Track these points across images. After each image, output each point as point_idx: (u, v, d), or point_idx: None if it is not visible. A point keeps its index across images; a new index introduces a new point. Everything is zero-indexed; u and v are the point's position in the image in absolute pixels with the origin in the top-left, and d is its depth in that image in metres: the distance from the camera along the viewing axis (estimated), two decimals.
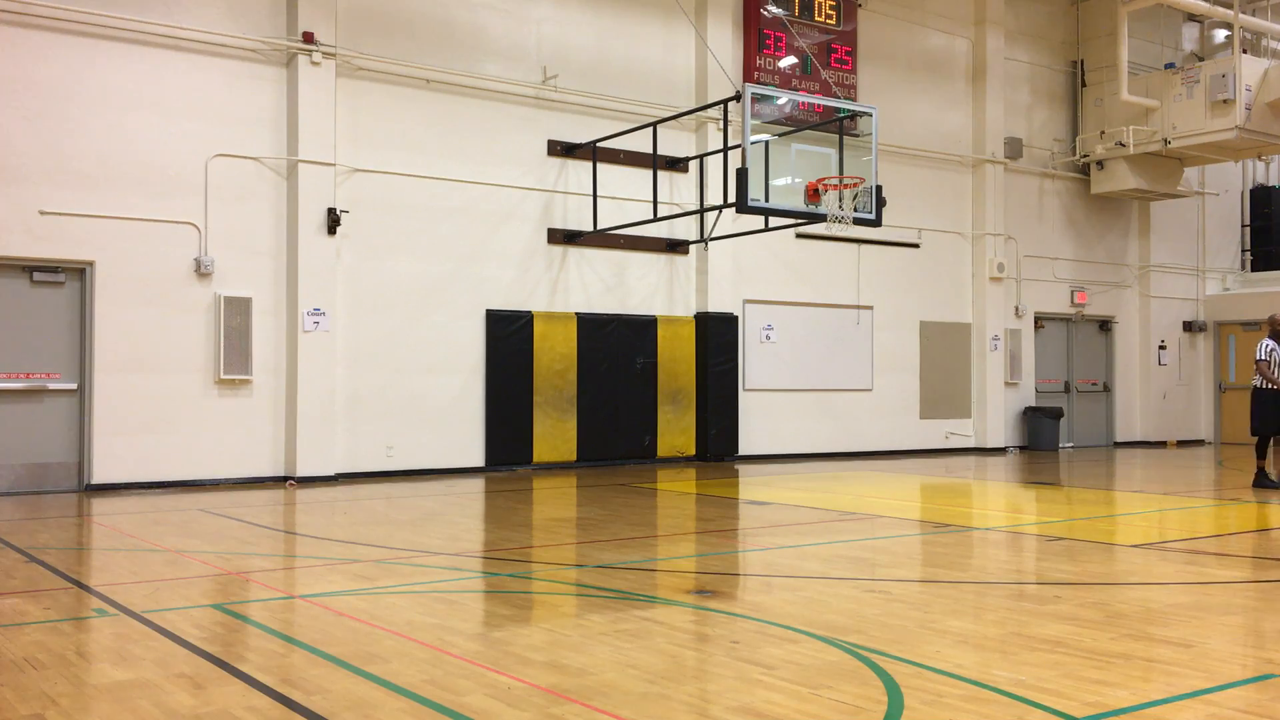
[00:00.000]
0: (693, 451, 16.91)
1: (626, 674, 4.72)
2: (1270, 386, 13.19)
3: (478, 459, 15.09)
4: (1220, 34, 23.18)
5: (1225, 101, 19.48)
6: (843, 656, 5.01)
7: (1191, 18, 22.59)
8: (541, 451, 15.53)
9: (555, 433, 15.64)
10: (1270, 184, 25.02)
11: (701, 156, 16.36)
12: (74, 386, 12.62)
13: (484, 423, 15.12)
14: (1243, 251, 24.73)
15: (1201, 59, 22.44)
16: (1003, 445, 20.17)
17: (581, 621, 5.89)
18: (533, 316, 15.46)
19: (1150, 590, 6.73)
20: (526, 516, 10.81)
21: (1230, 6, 20.26)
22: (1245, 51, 20.70)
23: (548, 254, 15.75)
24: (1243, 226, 24.74)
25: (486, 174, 15.21)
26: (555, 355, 15.64)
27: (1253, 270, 24.56)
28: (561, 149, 15.80)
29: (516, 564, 7.84)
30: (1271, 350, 13.23)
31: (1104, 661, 4.91)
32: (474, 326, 15.09)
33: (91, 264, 12.63)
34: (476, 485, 13.60)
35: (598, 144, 15.63)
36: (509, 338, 15.25)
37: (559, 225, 15.82)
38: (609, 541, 8.74)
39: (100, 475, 12.61)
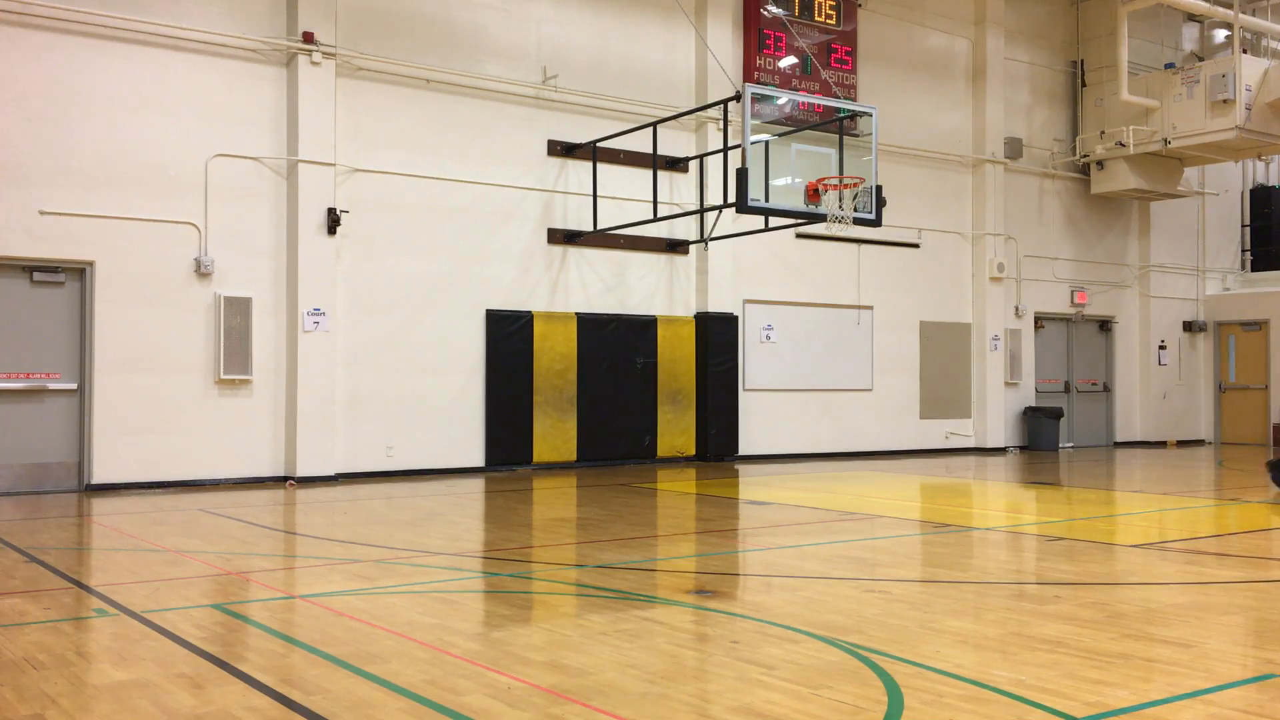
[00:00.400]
0: (693, 451, 16.91)
1: (626, 674, 4.72)
2: None
3: (478, 459, 15.09)
4: (1220, 34, 23.18)
5: (1225, 101, 19.48)
6: (843, 656, 5.01)
7: (1191, 18, 22.59)
8: (541, 451, 15.53)
9: (555, 433, 15.64)
10: (1270, 184, 25.02)
11: (701, 156, 16.36)
12: (74, 386, 12.62)
13: (484, 423, 15.12)
14: (1243, 251, 24.73)
15: (1201, 59, 22.43)
16: (1003, 445, 20.17)
17: (581, 621, 5.89)
18: (533, 316, 15.46)
19: (1150, 590, 6.73)
20: (526, 516, 10.81)
21: (1230, 6, 20.26)
22: (1245, 51, 20.69)
23: (548, 254, 15.75)
24: (1243, 226, 24.74)
25: (486, 174, 15.21)
26: (555, 355, 15.64)
27: (1253, 270, 24.56)
28: (561, 149, 15.80)
29: (516, 564, 7.84)
30: None
31: (1104, 661, 4.91)
32: (474, 326, 15.10)
33: (91, 264, 12.63)
34: (476, 485, 13.60)
35: (598, 144, 15.63)
36: (509, 338, 15.25)
37: (559, 225, 15.82)
38: (609, 541, 8.74)
39: (100, 475, 12.61)
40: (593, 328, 15.97)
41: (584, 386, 15.88)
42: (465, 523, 10.16)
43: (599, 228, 15.65)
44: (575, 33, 16.01)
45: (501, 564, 7.87)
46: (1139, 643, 5.28)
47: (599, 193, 15.68)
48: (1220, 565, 7.73)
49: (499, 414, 15.17)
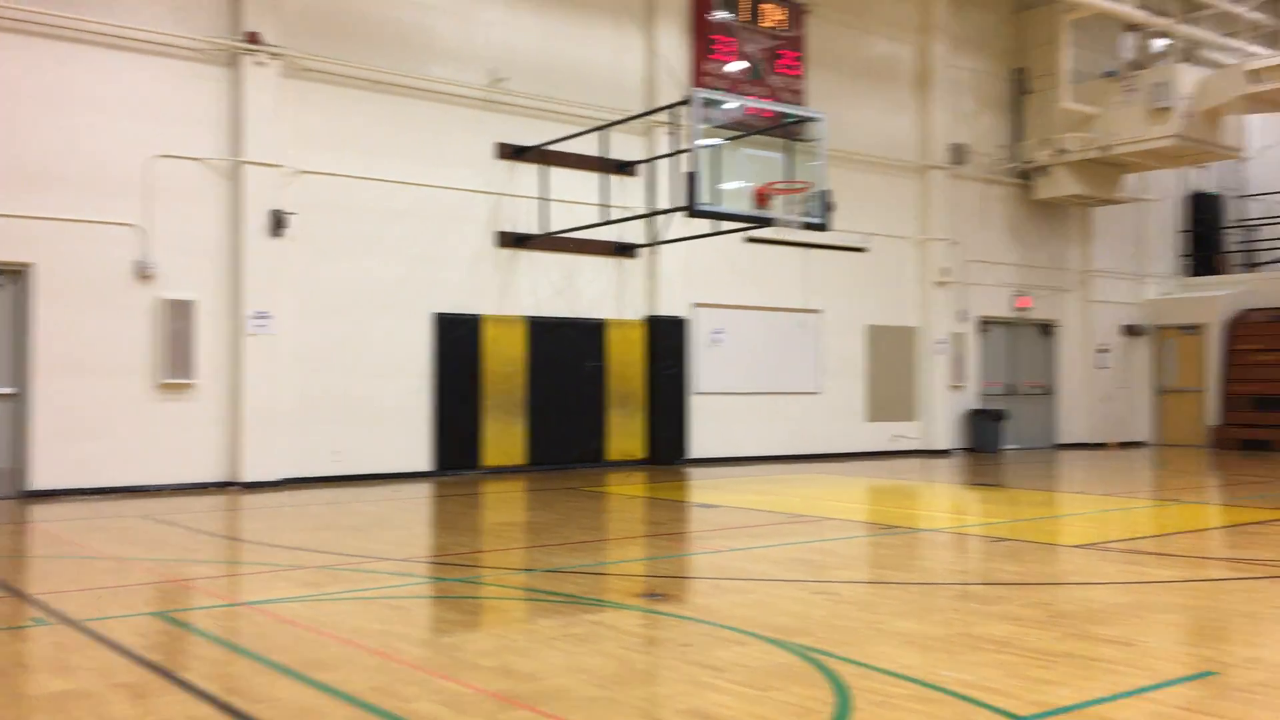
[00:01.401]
0: (642, 455, 16.92)
1: (576, 678, 4.71)
2: None
3: (426, 463, 14.98)
4: (1159, 43, 23.61)
5: (1163, 109, 19.88)
6: (791, 658, 5.03)
7: (1131, 27, 22.99)
8: (491, 455, 15.46)
9: (504, 436, 15.58)
10: (1208, 191, 25.55)
11: (651, 160, 16.38)
12: (13, 391, 12.37)
13: (433, 427, 15.02)
14: (1181, 257, 25.23)
15: (1141, 67, 22.85)
16: (947, 447, 20.40)
17: (531, 626, 5.87)
18: (482, 320, 15.39)
19: (1092, 590, 6.84)
20: (475, 521, 10.76)
21: (1169, 16, 20.66)
22: (1183, 60, 21.12)
23: (496, 257, 15.68)
24: (1181, 232, 25.25)
25: (435, 176, 15.12)
26: (505, 359, 15.58)
27: (1191, 275, 25.06)
28: (510, 151, 15.75)
29: (465, 569, 7.80)
30: None
31: (1048, 661, 4.99)
32: (423, 330, 15.00)
33: (31, 266, 12.38)
34: (425, 490, 13.51)
35: (547, 147, 15.60)
36: (458, 341, 15.16)
37: (508, 228, 15.76)
38: (558, 545, 8.72)
39: (39, 481, 12.36)
40: (542, 331, 15.93)
41: (533, 390, 15.83)
42: (413, 527, 10.08)
43: (548, 231, 15.62)
44: (524, 35, 15.97)
45: (450, 569, 7.82)
46: (1082, 642, 5.36)
47: (549, 196, 15.64)
48: (1160, 565, 7.87)
49: (448, 418, 15.08)
